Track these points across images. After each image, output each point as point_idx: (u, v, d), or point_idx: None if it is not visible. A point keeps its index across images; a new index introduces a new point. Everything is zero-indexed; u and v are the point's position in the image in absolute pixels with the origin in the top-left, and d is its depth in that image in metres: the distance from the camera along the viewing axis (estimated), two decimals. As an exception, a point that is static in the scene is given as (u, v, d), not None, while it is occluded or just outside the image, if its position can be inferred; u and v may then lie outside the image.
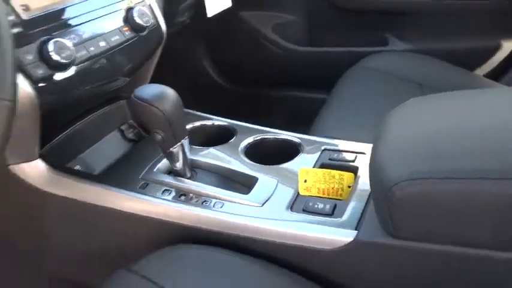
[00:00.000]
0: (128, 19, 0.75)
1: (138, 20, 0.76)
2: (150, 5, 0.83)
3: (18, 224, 0.74)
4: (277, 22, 1.49)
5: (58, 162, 0.72)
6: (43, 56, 0.59)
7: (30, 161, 0.65)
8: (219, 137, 0.84)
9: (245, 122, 0.87)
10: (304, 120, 1.04)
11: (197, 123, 0.87)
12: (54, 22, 0.63)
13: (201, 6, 1.16)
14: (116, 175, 0.74)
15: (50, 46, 0.59)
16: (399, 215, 0.52)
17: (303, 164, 0.73)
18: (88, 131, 0.83)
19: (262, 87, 1.55)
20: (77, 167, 0.79)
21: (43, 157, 0.67)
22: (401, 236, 0.54)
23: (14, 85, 0.46)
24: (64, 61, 0.60)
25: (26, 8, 0.61)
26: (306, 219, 0.62)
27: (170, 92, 0.64)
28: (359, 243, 0.56)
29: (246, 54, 1.54)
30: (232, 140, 0.81)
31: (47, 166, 0.67)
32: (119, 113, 0.90)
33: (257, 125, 0.84)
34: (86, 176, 0.73)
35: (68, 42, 0.62)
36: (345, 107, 1.03)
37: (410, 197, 0.50)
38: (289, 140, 0.81)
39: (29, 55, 0.58)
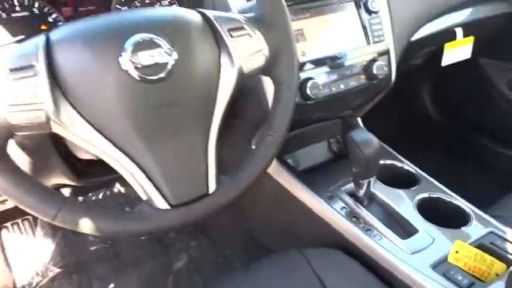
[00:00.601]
0: (367, 69, 0.95)
1: (375, 72, 0.95)
2: (389, 57, 1.01)
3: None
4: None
5: (279, 154, 1.00)
6: (301, 90, 0.85)
7: None
8: (402, 179, 0.99)
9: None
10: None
11: (389, 162, 1.04)
12: (315, 66, 0.88)
13: (437, 54, 1.27)
14: (313, 178, 0.98)
15: (309, 84, 0.85)
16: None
17: (464, 235, 0.84)
18: (306, 135, 1.09)
19: (478, 135, 1.56)
20: (289, 161, 1.07)
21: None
22: None
23: None
24: (313, 96, 0.85)
25: (303, 54, 0.87)
26: (442, 283, 0.74)
27: (375, 141, 0.82)
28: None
29: (471, 100, 1.57)
30: (413, 187, 0.96)
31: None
32: (332, 127, 1.14)
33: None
34: (295, 171, 1.00)
35: (319, 82, 0.87)
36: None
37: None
38: (461, 208, 0.91)
39: None
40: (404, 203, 0.91)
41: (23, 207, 0.48)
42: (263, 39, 0.59)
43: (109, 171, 0.54)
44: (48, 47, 0.48)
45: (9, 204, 0.89)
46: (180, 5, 0.87)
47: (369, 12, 0.96)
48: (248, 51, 0.57)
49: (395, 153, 1.07)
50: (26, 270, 1.28)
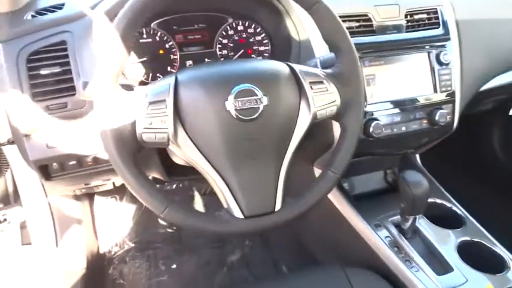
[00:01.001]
0: (430, 115, 1.04)
1: (437, 119, 1.03)
2: (454, 106, 1.08)
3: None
4: None
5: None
6: (365, 128, 0.96)
7: None
8: (449, 219, 1.07)
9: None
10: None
11: (439, 201, 1.12)
12: (381, 108, 0.99)
13: (508, 101, 1.31)
14: (365, 205, 1.09)
15: (372, 124, 0.96)
16: None
17: (497, 281, 0.90)
18: (365, 164, 1.20)
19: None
20: (345, 185, 1.19)
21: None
22: None
23: None
24: (375, 136, 0.96)
25: (372, 96, 0.99)
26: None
27: (424, 183, 0.91)
28: None
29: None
30: (457, 229, 1.03)
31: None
32: (391, 159, 1.23)
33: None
34: (349, 196, 1.12)
35: (382, 123, 0.97)
36: None
37: None
38: (500, 255, 0.97)
39: None
40: (445, 242, 0.99)
41: (140, 200, 0.66)
42: (337, 93, 0.72)
43: (192, 175, 0.69)
44: (176, 86, 0.65)
45: (108, 186, 1.09)
46: (273, 52, 1.03)
47: (440, 63, 1.04)
48: (323, 101, 0.71)
49: (447, 194, 1.14)
50: (108, 240, 1.51)
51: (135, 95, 0.65)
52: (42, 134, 0.82)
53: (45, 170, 0.87)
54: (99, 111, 0.63)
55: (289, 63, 0.73)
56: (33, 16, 0.87)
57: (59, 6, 0.90)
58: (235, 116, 0.65)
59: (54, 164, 0.86)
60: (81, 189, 1.06)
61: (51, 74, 0.81)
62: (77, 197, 1.31)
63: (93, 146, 0.83)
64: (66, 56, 0.82)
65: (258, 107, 0.66)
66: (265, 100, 0.66)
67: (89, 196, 1.46)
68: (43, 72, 0.81)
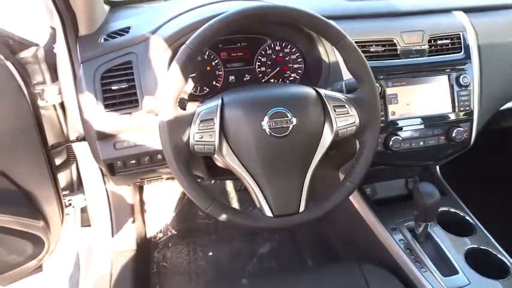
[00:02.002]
0: (448, 132, 1.14)
1: (454, 136, 1.13)
2: (472, 124, 1.17)
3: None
4: None
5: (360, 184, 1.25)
6: (385, 142, 1.08)
7: None
8: (461, 227, 1.17)
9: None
10: None
11: (453, 210, 1.22)
12: (401, 124, 1.10)
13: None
14: (383, 210, 1.21)
15: (392, 139, 1.07)
16: None
17: (498, 286, 1.00)
18: (387, 172, 1.31)
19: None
20: (367, 190, 1.31)
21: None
22: None
23: None
24: (394, 149, 1.08)
25: (393, 113, 1.10)
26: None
27: (436, 195, 1.02)
28: None
29: None
30: (467, 237, 1.13)
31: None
32: (412, 169, 1.34)
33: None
34: (370, 200, 1.24)
35: (401, 137, 1.09)
36: None
37: None
38: (504, 263, 1.06)
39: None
40: (454, 248, 1.09)
41: (189, 197, 0.82)
42: (357, 115, 0.85)
43: (229, 176, 0.86)
44: (222, 106, 0.81)
45: (160, 181, 1.27)
46: (305, 71, 1.15)
47: (460, 85, 1.14)
48: (345, 122, 0.84)
49: (461, 203, 1.24)
50: (154, 226, 1.71)
51: (190, 114, 0.81)
52: (111, 138, 1.00)
53: (111, 167, 1.05)
54: (162, 125, 0.79)
55: (316, 88, 0.86)
56: (105, 39, 1.04)
57: (126, 30, 1.07)
58: (269, 133, 0.80)
59: (119, 162, 1.04)
60: (135, 183, 1.24)
61: (119, 89, 0.99)
62: (131, 188, 1.50)
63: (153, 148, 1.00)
64: (132, 74, 1.00)
65: (288, 126, 0.80)
66: (294, 120, 0.80)
67: (140, 187, 1.65)
68: (113, 87, 0.98)
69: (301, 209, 0.84)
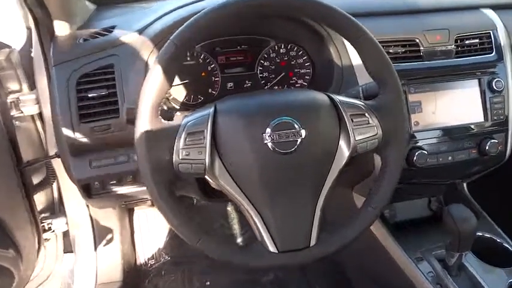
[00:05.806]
0: (480, 145, 0.98)
1: (487, 149, 0.97)
2: (507, 136, 1.01)
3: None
4: None
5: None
6: (408, 157, 0.92)
7: None
8: (499, 256, 1.00)
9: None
10: None
11: (488, 235, 1.05)
12: (426, 136, 0.95)
13: None
14: (406, 235, 1.05)
15: (416, 153, 0.92)
16: None
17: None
18: (408, 190, 1.14)
19: None
20: (386, 212, 1.14)
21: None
22: None
23: None
24: (418, 165, 0.92)
25: (417, 124, 0.95)
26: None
27: (472, 219, 0.86)
28: None
29: None
30: (509, 267, 0.96)
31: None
32: (435, 187, 1.18)
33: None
34: (389, 224, 1.08)
35: (427, 151, 0.93)
36: None
37: None
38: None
39: None
40: (495, 283, 0.93)
41: (175, 231, 0.66)
42: (379, 126, 0.69)
43: (226, 199, 0.70)
44: (215, 116, 0.65)
45: (147, 203, 1.11)
46: (314, 76, 1.01)
47: (492, 90, 0.99)
48: (364, 135, 0.68)
49: (497, 227, 1.08)
50: (145, 251, 1.54)
51: (175, 125, 0.65)
52: (86, 154, 0.85)
53: (87, 188, 0.89)
54: (138, 138, 0.64)
55: (329, 94, 0.71)
56: (85, 40, 0.90)
57: (110, 30, 0.93)
58: (272, 149, 0.64)
59: (96, 182, 0.89)
60: (120, 205, 1.09)
61: (97, 96, 0.84)
62: (118, 210, 1.34)
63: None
64: (113, 79, 0.85)
65: (296, 140, 0.64)
66: (303, 133, 0.65)
67: (129, 209, 1.49)
68: (90, 94, 0.84)
69: (313, 242, 0.68)
